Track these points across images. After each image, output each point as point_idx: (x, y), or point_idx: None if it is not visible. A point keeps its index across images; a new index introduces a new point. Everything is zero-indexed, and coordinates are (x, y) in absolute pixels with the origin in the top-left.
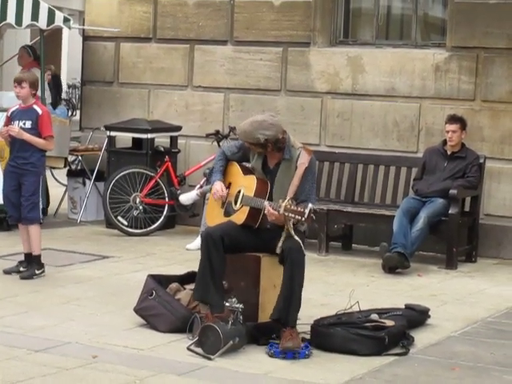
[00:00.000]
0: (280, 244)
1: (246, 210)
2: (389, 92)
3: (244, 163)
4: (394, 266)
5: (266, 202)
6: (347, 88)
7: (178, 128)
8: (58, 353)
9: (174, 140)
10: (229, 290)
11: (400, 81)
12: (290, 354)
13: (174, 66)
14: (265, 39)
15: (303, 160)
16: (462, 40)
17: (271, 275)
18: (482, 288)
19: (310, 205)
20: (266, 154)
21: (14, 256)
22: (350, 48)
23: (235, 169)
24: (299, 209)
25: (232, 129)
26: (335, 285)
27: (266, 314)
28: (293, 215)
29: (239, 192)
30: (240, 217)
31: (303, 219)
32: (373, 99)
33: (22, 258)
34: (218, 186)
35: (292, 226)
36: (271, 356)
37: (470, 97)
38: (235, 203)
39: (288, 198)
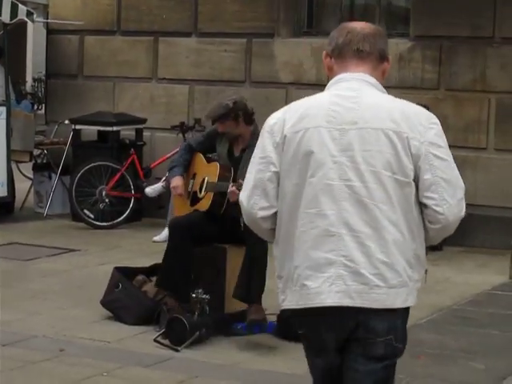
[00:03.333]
0: (242, 221)
1: (211, 195)
2: None
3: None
4: None
5: (230, 184)
6: (311, 78)
7: (143, 120)
8: (24, 346)
9: (139, 132)
10: (195, 281)
11: None
12: (257, 328)
13: (139, 59)
14: (229, 31)
15: None
16: (426, 29)
17: (237, 266)
18: (448, 276)
19: None
20: (236, 135)
21: None
22: (314, 38)
23: (199, 159)
24: None
25: (197, 120)
26: None
27: (232, 304)
28: None
29: (203, 180)
30: (204, 204)
31: None
32: None
33: None
34: (179, 182)
35: None
36: (238, 333)
37: (434, 86)
38: (200, 191)
39: None
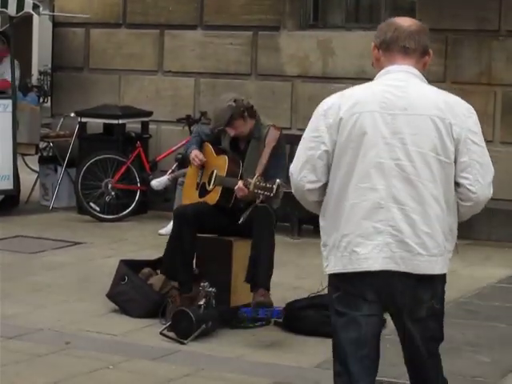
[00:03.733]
0: (244, 216)
1: (219, 190)
2: (359, 75)
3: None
4: None
5: (238, 181)
6: (317, 71)
7: (149, 113)
8: (30, 340)
9: (145, 125)
10: (200, 275)
11: (370, 63)
12: (263, 312)
13: (144, 52)
14: (235, 23)
15: (271, 138)
16: (431, 22)
17: (243, 259)
18: (454, 269)
19: (277, 180)
20: (248, 133)
21: None
22: (320, 31)
23: (208, 150)
24: (268, 185)
25: (203, 113)
26: (307, 268)
27: (238, 297)
28: (262, 192)
29: (212, 173)
30: (213, 197)
31: (272, 195)
32: (343, 82)
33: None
34: (197, 152)
35: (258, 200)
36: (243, 319)
37: (440, 78)
38: (209, 184)
39: (257, 175)
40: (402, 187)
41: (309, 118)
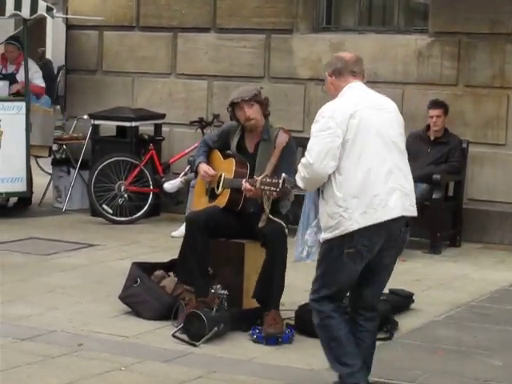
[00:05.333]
0: (262, 219)
1: (228, 192)
2: (371, 78)
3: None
4: None
5: (244, 180)
6: None
7: (162, 116)
8: (43, 341)
9: (158, 128)
10: (214, 276)
11: (383, 66)
12: (273, 340)
13: (158, 54)
14: (248, 26)
15: (281, 139)
16: (444, 25)
17: (255, 261)
18: (466, 272)
19: (283, 175)
20: (257, 126)
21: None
22: (333, 34)
23: (216, 155)
24: (273, 180)
25: (216, 116)
26: None
27: (250, 299)
28: (268, 187)
29: (221, 176)
30: (222, 200)
31: (278, 189)
32: None
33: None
34: (205, 168)
35: (268, 202)
36: (254, 341)
37: (453, 82)
38: (217, 188)
39: (265, 173)
40: (399, 157)
41: None
